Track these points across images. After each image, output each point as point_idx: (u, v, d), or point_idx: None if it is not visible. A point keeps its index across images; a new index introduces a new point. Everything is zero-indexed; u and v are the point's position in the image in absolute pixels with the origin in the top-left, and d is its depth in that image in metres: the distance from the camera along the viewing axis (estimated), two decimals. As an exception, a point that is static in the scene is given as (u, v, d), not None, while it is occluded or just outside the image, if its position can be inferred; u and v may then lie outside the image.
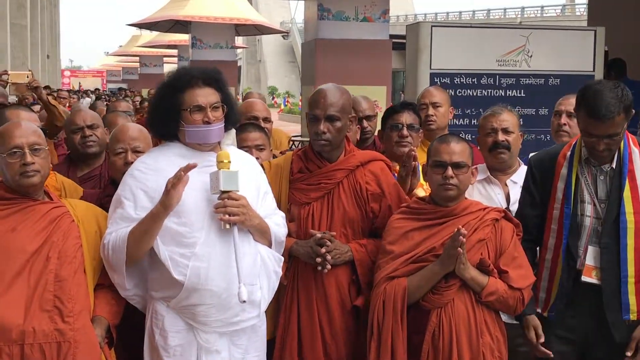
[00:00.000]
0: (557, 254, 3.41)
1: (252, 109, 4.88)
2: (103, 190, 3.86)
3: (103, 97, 25.73)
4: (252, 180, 3.30)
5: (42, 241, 3.03)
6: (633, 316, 3.33)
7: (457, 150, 3.34)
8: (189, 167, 3.00)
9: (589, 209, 3.38)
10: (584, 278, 3.35)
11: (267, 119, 4.80)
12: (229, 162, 3.09)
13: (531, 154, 3.79)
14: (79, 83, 44.20)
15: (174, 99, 3.16)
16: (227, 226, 3.05)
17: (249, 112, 4.85)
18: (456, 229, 3.15)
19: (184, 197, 3.06)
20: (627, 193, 3.31)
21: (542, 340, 3.42)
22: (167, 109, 3.17)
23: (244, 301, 2.95)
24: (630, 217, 3.30)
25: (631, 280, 3.31)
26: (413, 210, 3.44)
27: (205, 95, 3.16)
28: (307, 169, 3.64)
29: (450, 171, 3.31)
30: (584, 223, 3.37)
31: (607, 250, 3.33)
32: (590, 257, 3.35)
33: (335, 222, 3.55)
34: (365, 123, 4.85)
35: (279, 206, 3.53)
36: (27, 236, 3.02)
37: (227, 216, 3.04)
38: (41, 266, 2.99)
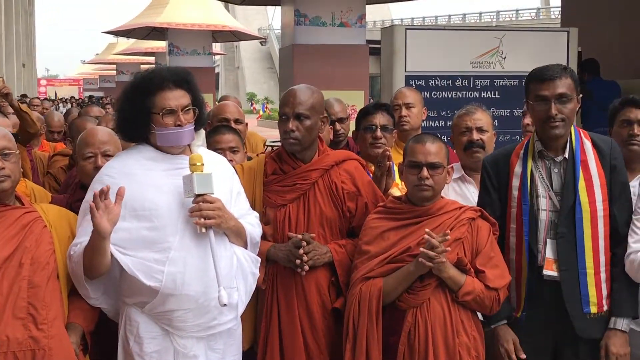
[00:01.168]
0: (519, 253, 3.41)
1: (223, 111, 4.87)
2: (72, 195, 3.82)
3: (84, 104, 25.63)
4: (225, 181, 3.27)
5: (15, 247, 2.99)
6: (594, 309, 3.33)
7: (433, 150, 3.34)
8: (101, 192, 2.89)
9: (544, 203, 3.39)
10: (545, 272, 3.36)
11: (238, 121, 4.78)
12: (202, 164, 3.06)
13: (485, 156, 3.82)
14: (55, 92, 43.82)
15: (144, 102, 3.10)
16: (203, 230, 3.02)
17: (220, 114, 4.84)
18: (426, 237, 3.16)
19: (156, 201, 3.03)
20: (581, 183, 3.34)
21: (524, 356, 3.41)
22: (137, 112, 3.11)
23: (225, 304, 2.92)
24: (585, 207, 3.32)
25: (590, 271, 3.31)
26: (389, 210, 3.43)
27: (177, 98, 3.11)
28: (281, 171, 3.62)
29: (425, 172, 3.31)
30: (540, 217, 3.38)
31: (563, 239, 3.33)
32: (549, 250, 3.36)
33: (312, 223, 3.53)
34: (337, 126, 4.87)
35: (254, 209, 3.50)
36: (-1, 242, 2.98)
37: (202, 220, 3.00)
38: (14, 273, 2.95)
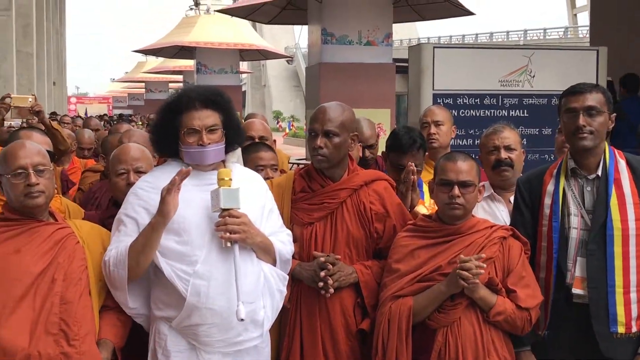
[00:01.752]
0: (549, 271, 3.38)
1: (248, 128, 4.88)
2: (105, 211, 3.84)
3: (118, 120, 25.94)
4: (257, 198, 3.29)
5: (48, 263, 3.01)
6: (621, 329, 3.27)
7: (464, 168, 3.32)
8: (182, 173, 3.01)
9: (575, 221, 3.36)
10: (574, 290, 3.32)
11: (263, 138, 4.79)
12: (230, 179, 3.08)
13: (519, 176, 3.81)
14: (85, 109, 44.28)
15: (173, 120, 3.18)
16: (228, 244, 3.03)
17: (246, 132, 4.87)
18: (460, 256, 3.15)
19: (185, 215, 3.06)
20: (614, 201, 3.31)
21: None
22: (168, 129, 3.19)
23: (242, 319, 2.93)
24: (617, 225, 3.28)
25: (619, 290, 3.26)
26: (419, 228, 3.42)
27: (202, 118, 3.15)
28: (309, 188, 3.61)
29: (456, 190, 3.29)
30: (570, 235, 3.35)
31: (593, 257, 3.29)
32: (579, 268, 3.33)
33: (339, 242, 3.52)
34: (367, 152, 4.84)
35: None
36: (32, 258, 2.99)
37: (227, 234, 3.02)
38: (46, 288, 2.97)
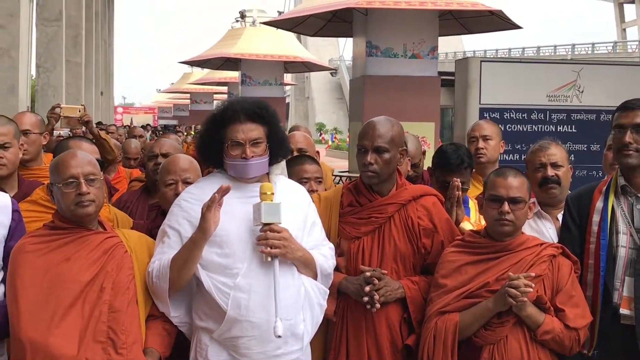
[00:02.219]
0: (596, 290, 3.34)
1: (290, 141, 4.88)
2: (153, 221, 3.89)
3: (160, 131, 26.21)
4: (299, 211, 3.30)
5: (97, 271, 3.04)
6: None
7: (515, 184, 3.31)
8: (221, 190, 3.03)
9: (624, 240, 3.31)
10: (622, 310, 3.27)
11: (301, 150, 4.80)
12: (272, 193, 3.10)
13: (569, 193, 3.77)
14: (131, 119, 44.89)
15: (218, 132, 3.22)
16: (269, 259, 3.05)
17: None
18: (509, 274, 3.12)
19: (227, 228, 3.09)
20: None
21: None
22: (212, 141, 3.23)
23: (279, 336, 2.94)
24: None
25: None
26: (468, 243, 3.40)
27: (246, 131, 3.18)
28: (357, 203, 3.61)
29: (506, 206, 3.28)
30: (619, 254, 3.30)
31: None
32: (627, 288, 3.28)
33: (386, 257, 3.51)
34: (411, 171, 4.81)
35: (329, 238, 3.51)
36: (81, 266, 3.03)
37: (268, 249, 3.04)
38: (95, 297, 3.00)
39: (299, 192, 3.42)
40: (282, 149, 3.33)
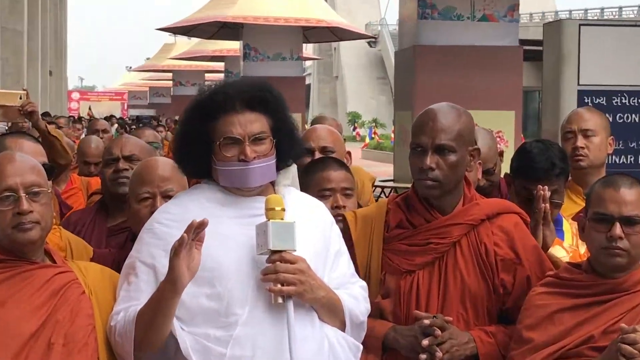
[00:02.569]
0: None
1: (308, 137, 4.85)
2: (121, 250, 3.90)
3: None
4: (318, 235, 3.30)
5: (43, 320, 3.04)
6: None
7: (630, 199, 3.32)
8: (193, 227, 2.95)
9: None
10: None
11: (327, 150, 4.79)
12: (283, 209, 3.09)
13: None
14: (90, 108, 45.07)
15: (203, 127, 3.21)
16: (280, 300, 3.04)
17: (306, 142, 4.86)
18: (620, 330, 3.09)
19: (220, 258, 3.08)
20: None
21: None
22: (196, 140, 3.22)
23: None
24: None
25: None
26: (562, 282, 3.40)
27: (244, 124, 3.17)
28: (409, 223, 3.62)
29: (618, 229, 3.28)
30: None
31: None
32: None
33: (450, 299, 3.52)
34: (482, 180, 4.80)
35: (369, 274, 3.54)
36: (22, 313, 3.03)
37: (278, 286, 3.03)
38: (40, 355, 2.99)
39: (318, 210, 3.43)
40: (292, 148, 3.33)
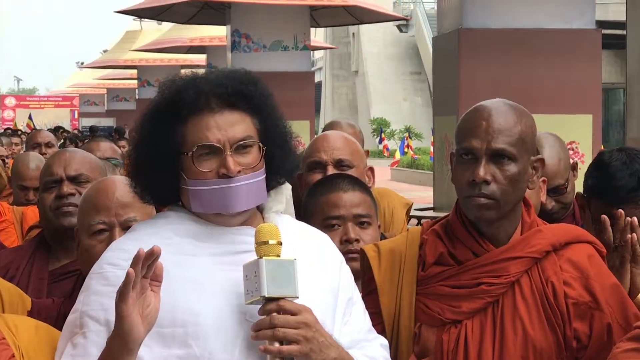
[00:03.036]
0: None
1: (314, 148, 4.87)
2: (68, 299, 3.92)
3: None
4: (325, 278, 3.32)
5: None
6: None
7: None
8: (140, 259, 2.90)
9: None
10: None
11: (342, 163, 4.80)
12: (279, 242, 3.09)
13: None
14: (29, 117, 44.86)
15: (169, 134, 3.20)
16: None
17: (313, 155, 4.86)
18: None
19: (197, 310, 3.08)
20: None
21: None
22: (157, 151, 3.21)
23: None
24: None
25: None
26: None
27: (223, 127, 3.17)
28: (452, 258, 3.64)
29: None
30: None
31: None
32: None
33: (509, 356, 3.53)
34: (550, 201, 4.81)
35: (397, 327, 3.57)
36: None
37: (276, 345, 3.03)
38: None
39: (322, 245, 3.45)
40: (285, 160, 3.35)
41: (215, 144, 3.15)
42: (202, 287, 3.11)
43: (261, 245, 3.07)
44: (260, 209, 3.33)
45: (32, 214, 6.67)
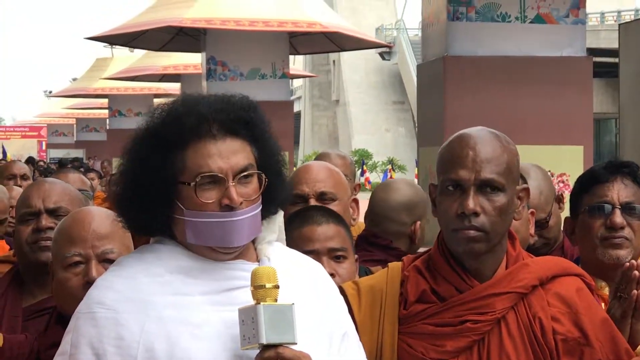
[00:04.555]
0: None
1: (301, 178, 4.90)
2: (42, 336, 3.90)
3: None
4: (323, 313, 3.31)
5: None
6: None
7: None
8: None
9: None
10: None
11: (324, 196, 4.84)
12: (276, 286, 3.08)
13: None
14: (1, 146, 44.71)
15: (165, 162, 3.16)
16: None
17: (294, 187, 4.84)
18: None
19: (191, 355, 3.07)
20: None
21: None
22: (151, 182, 3.17)
23: None
24: None
25: None
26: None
27: (226, 155, 3.16)
28: (434, 295, 3.64)
29: None
30: None
31: None
32: None
33: None
34: (533, 236, 4.82)
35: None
36: None
37: None
38: None
39: (315, 274, 3.44)
40: (280, 188, 3.35)
41: (219, 174, 3.14)
42: (198, 330, 3.10)
43: (258, 289, 3.06)
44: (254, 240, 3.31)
45: (1, 248, 6.67)
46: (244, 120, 3.22)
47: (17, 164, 11.45)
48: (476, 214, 3.51)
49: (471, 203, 3.51)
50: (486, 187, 3.54)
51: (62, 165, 27.50)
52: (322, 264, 3.97)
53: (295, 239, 4.14)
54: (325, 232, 4.21)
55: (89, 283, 3.59)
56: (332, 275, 3.91)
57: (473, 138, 3.60)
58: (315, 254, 4.09)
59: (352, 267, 4.26)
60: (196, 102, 3.23)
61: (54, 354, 3.29)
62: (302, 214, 4.32)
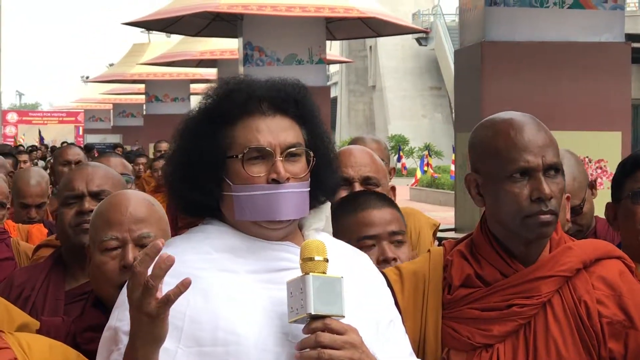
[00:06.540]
0: None
1: (345, 162, 4.84)
2: (79, 319, 3.90)
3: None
4: (370, 298, 3.31)
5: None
6: None
7: None
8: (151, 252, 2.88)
9: None
10: None
11: (369, 181, 4.82)
12: (326, 259, 3.08)
13: None
14: (39, 132, 44.65)
15: (214, 138, 3.19)
16: None
17: (341, 169, 4.84)
18: None
19: (238, 330, 3.08)
20: None
21: None
22: (201, 157, 3.20)
23: None
24: None
25: None
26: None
27: (275, 131, 3.18)
28: (479, 279, 3.64)
29: None
30: None
31: None
32: None
33: None
34: (569, 221, 4.80)
35: (423, 353, 3.55)
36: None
37: None
38: None
39: (364, 264, 3.44)
40: (330, 176, 3.35)
41: (267, 148, 3.15)
42: (244, 306, 3.11)
43: (307, 261, 3.05)
44: (299, 225, 3.32)
45: (37, 232, 6.67)
46: (293, 99, 3.24)
47: (72, 149, 10.67)
48: (549, 199, 3.52)
49: (546, 188, 3.51)
50: (550, 170, 3.55)
51: (88, 149, 27.54)
52: (384, 249, 4.07)
53: (350, 225, 4.14)
54: (384, 216, 4.19)
55: (125, 267, 3.62)
56: (394, 259, 3.99)
57: (520, 123, 3.60)
58: (376, 239, 4.12)
59: (410, 251, 4.25)
60: (247, 81, 3.27)
61: (89, 337, 3.32)
62: (353, 200, 4.30)
